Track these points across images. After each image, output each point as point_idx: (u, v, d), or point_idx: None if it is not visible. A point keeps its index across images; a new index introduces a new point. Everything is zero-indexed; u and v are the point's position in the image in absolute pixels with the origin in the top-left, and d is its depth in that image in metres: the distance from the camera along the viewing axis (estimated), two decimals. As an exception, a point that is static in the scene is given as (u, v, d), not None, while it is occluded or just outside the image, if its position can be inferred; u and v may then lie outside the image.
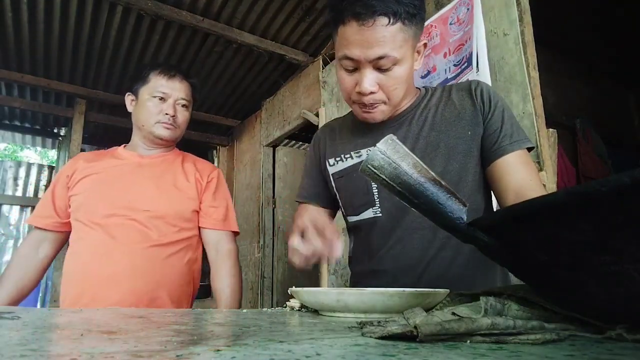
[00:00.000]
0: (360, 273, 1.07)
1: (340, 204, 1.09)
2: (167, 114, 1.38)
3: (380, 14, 0.81)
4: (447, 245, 0.93)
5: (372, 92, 0.89)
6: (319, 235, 0.73)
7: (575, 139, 3.35)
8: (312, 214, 0.81)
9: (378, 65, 0.86)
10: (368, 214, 1.00)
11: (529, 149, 0.94)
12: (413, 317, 0.45)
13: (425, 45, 0.95)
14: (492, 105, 0.94)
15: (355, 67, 0.88)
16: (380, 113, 0.94)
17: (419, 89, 1.05)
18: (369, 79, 0.87)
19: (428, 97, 1.02)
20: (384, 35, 0.82)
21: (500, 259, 0.42)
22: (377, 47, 0.83)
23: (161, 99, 1.39)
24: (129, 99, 1.45)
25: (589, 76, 3.79)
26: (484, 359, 0.30)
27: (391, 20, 0.81)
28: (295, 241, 0.75)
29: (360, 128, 1.05)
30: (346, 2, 0.83)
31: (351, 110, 1.15)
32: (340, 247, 0.73)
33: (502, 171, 0.91)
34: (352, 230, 1.09)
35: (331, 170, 1.08)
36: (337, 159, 1.07)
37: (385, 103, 0.92)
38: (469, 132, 0.94)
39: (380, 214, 0.98)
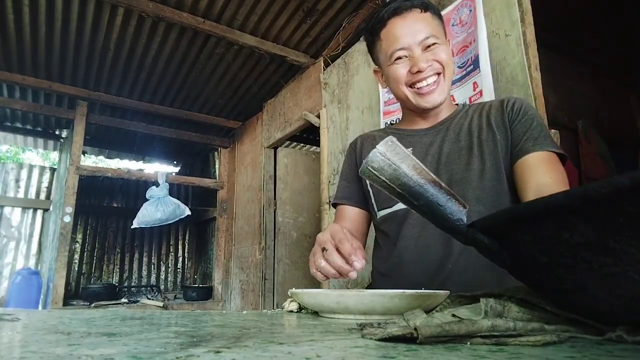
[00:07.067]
0: (386, 265, 1.09)
1: (373, 200, 1.12)
2: None
3: (413, 6, 1.03)
4: None
5: (429, 67, 1.00)
6: (338, 250, 0.74)
7: (577, 140, 3.33)
8: (335, 228, 0.80)
9: (426, 44, 1.01)
10: (402, 204, 1.02)
11: (562, 160, 0.96)
12: (413, 318, 0.45)
13: (449, 42, 1.09)
14: (521, 112, 1.01)
15: (407, 55, 1.02)
16: (439, 91, 1.03)
17: (457, 104, 1.15)
18: (423, 57, 1.01)
19: (464, 110, 1.11)
20: (422, 20, 1.02)
21: (500, 261, 0.42)
22: (421, 30, 1.01)
23: None
24: None
25: (591, 77, 3.78)
26: (483, 361, 0.30)
27: (423, 10, 1.03)
28: (318, 260, 0.77)
29: (399, 135, 1.12)
30: (384, 9, 1.05)
31: (391, 123, 1.20)
32: (360, 264, 0.72)
33: (523, 170, 0.95)
34: (382, 224, 1.11)
35: None
36: None
37: (440, 74, 1.02)
38: (498, 136, 1.00)
39: None
